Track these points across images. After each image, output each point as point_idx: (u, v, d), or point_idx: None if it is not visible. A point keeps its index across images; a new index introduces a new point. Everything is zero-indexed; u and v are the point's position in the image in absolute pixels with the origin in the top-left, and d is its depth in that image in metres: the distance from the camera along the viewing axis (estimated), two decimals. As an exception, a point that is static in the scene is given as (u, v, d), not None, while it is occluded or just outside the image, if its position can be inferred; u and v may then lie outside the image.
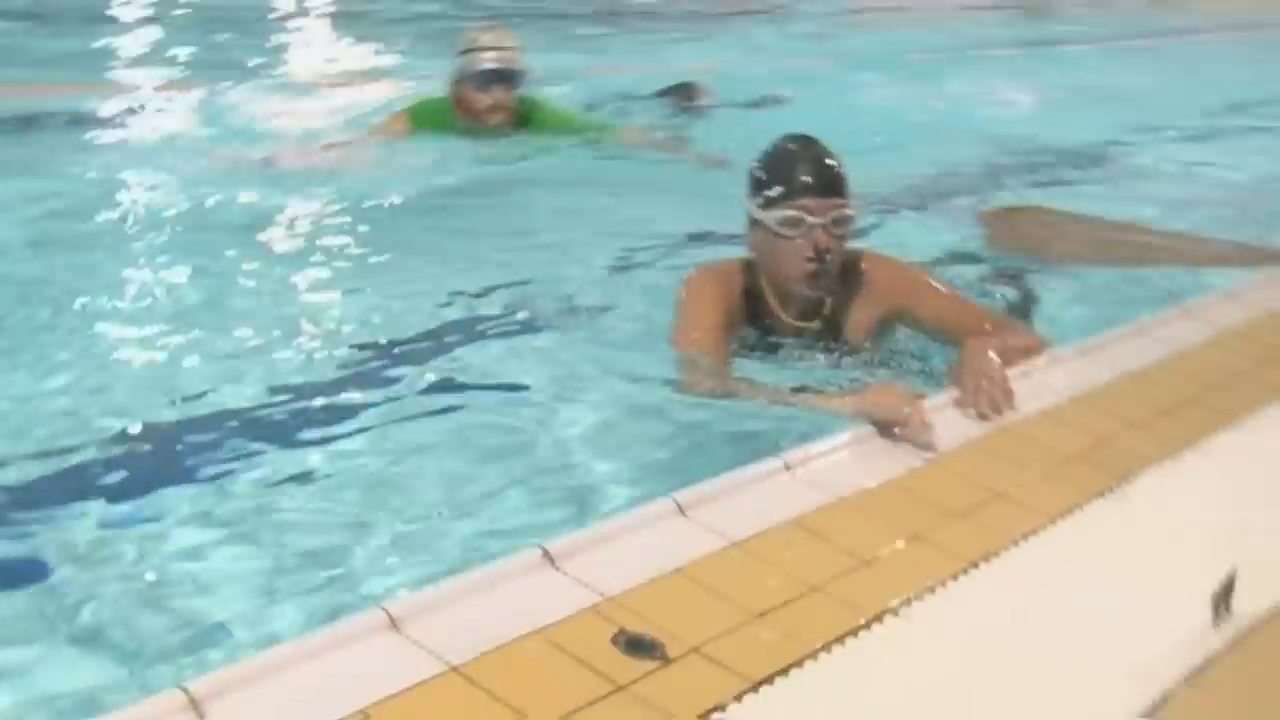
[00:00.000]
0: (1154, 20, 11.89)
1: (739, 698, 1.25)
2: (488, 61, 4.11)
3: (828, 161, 2.38)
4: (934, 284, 2.49)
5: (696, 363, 2.27)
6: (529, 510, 1.87)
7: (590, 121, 4.59)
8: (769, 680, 1.29)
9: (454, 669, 1.23)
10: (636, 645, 1.32)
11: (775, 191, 2.35)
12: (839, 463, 1.81)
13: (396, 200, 3.64)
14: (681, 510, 1.60)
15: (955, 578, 1.53)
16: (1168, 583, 1.53)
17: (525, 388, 2.32)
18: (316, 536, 1.75)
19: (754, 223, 2.41)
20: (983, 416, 2.00)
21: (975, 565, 1.56)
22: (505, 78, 4.15)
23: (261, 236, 3.22)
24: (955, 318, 2.37)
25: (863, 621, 1.41)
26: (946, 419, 1.98)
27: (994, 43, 9.21)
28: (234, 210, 3.41)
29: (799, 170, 2.35)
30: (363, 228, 3.34)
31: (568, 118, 4.45)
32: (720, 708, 1.23)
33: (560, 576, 1.43)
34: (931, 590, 1.49)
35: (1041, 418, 2.04)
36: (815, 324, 2.43)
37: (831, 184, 2.35)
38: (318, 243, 3.20)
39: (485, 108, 4.16)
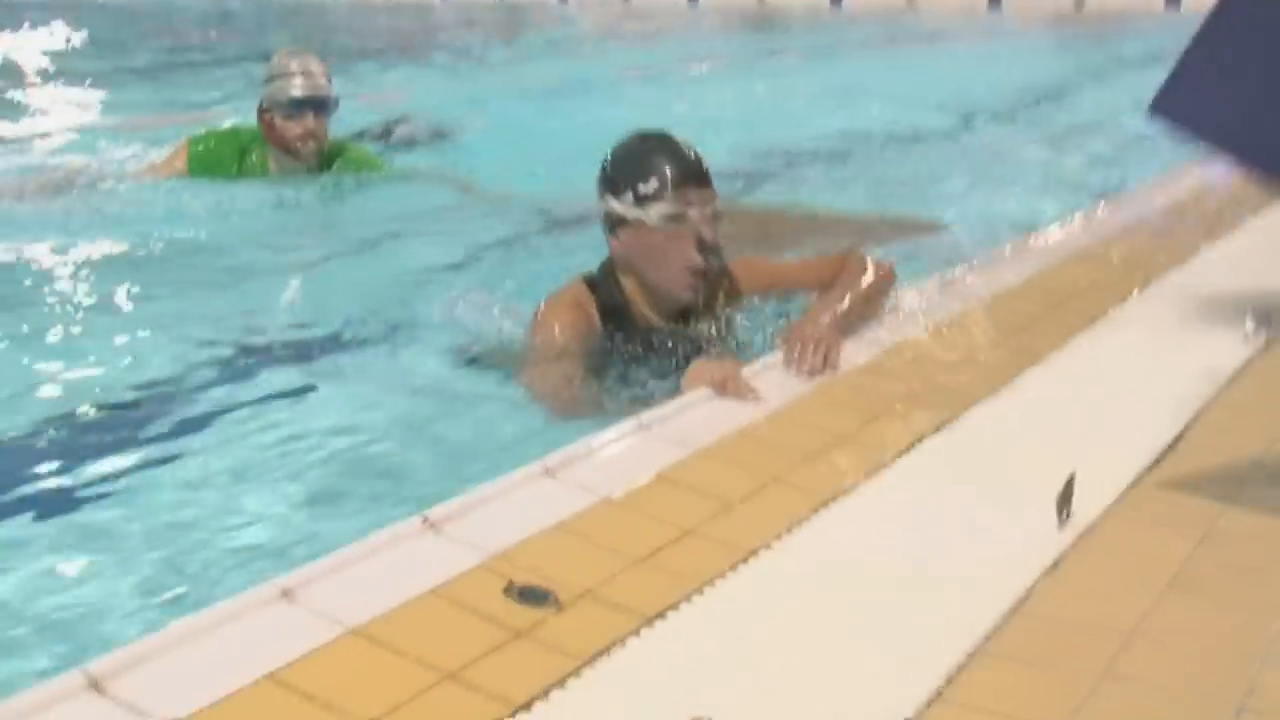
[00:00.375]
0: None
1: (636, 633, 1.29)
2: (298, 88, 3.93)
3: (695, 154, 2.28)
4: (790, 265, 2.50)
5: (552, 397, 2.18)
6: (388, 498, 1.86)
7: (395, 164, 4.41)
8: (661, 616, 1.33)
9: (353, 631, 1.22)
10: (529, 595, 1.34)
11: (651, 186, 2.23)
12: (690, 420, 1.87)
13: (155, 238, 3.44)
14: (550, 473, 1.63)
15: (815, 512, 1.60)
16: (1011, 497, 1.64)
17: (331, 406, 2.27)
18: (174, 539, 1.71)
19: (621, 223, 2.27)
20: (809, 373, 2.08)
21: (831, 501, 1.64)
22: (317, 105, 3.97)
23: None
24: (815, 280, 2.39)
25: (740, 558, 1.47)
26: (783, 377, 2.07)
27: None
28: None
29: (673, 163, 2.24)
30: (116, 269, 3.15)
31: (375, 160, 4.29)
32: (619, 643, 1.27)
33: (443, 539, 1.43)
34: (796, 525, 1.56)
35: (869, 368, 2.15)
36: (685, 326, 2.33)
37: (705, 175, 2.26)
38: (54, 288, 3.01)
39: (296, 136, 3.96)
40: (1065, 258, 2.95)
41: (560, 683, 1.18)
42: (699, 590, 1.38)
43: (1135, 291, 2.68)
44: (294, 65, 3.95)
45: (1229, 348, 2.29)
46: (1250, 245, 3.19)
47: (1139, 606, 1.37)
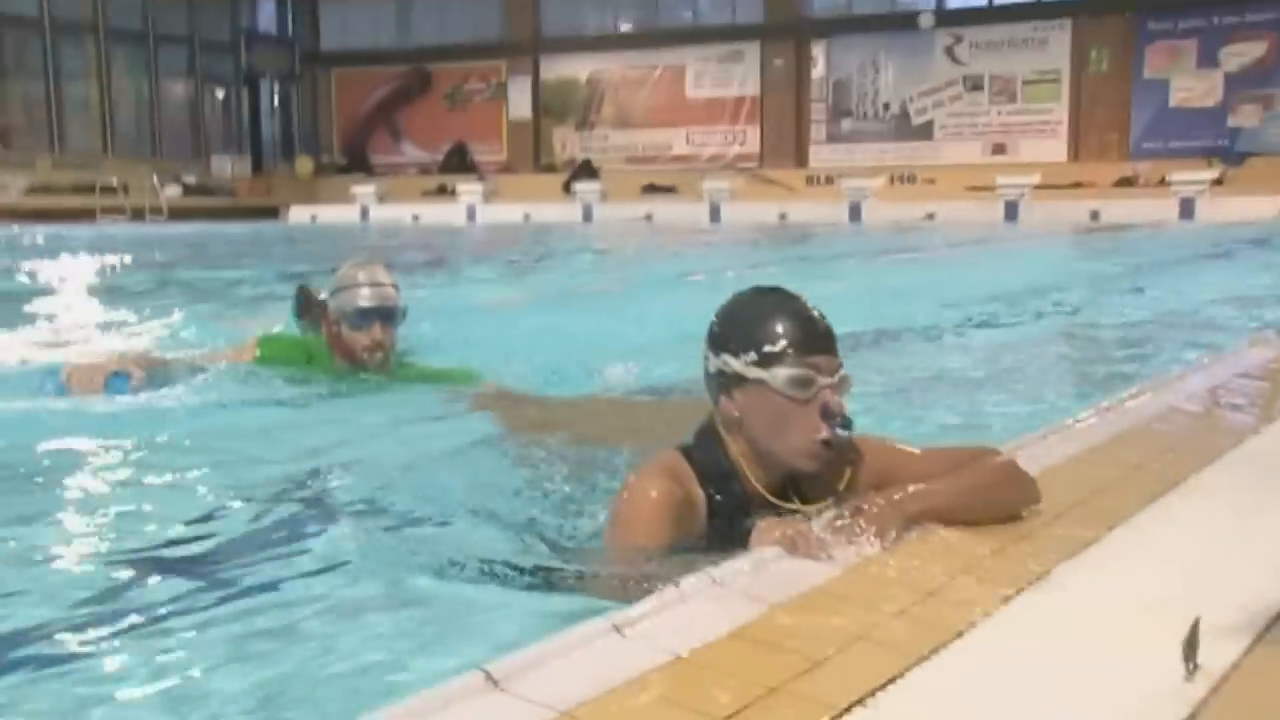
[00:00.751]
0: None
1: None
2: (365, 298, 3.84)
3: (822, 316, 2.10)
4: (915, 453, 2.24)
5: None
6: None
7: (455, 371, 4.24)
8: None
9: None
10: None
11: (777, 346, 2.04)
12: (765, 576, 1.74)
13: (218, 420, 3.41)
14: (618, 629, 1.49)
15: (909, 670, 1.45)
16: (1127, 649, 1.49)
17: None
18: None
19: (738, 383, 2.07)
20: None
21: (924, 659, 1.49)
22: (385, 315, 3.87)
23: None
24: (937, 472, 2.13)
25: (830, 716, 1.32)
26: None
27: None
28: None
29: (801, 324, 2.06)
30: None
31: (436, 371, 4.17)
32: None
33: (507, 696, 1.29)
34: (892, 681, 1.41)
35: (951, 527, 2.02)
36: (793, 502, 2.12)
37: (832, 340, 2.08)
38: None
39: (364, 346, 3.85)
40: (1127, 430, 2.84)
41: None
42: (793, 749, 1.23)
43: (1211, 459, 2.56)
44: (361, 276, 3.88)
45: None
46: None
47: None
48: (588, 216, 20.57)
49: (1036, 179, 18.80)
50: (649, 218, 19.69)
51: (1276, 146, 20.11)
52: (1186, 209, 17.80)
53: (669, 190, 21.41)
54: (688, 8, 23.65)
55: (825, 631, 1.55)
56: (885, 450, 2.20)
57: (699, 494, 2.11)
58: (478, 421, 3.52)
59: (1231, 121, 20.61)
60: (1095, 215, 17.80)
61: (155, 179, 21.22)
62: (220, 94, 25.36)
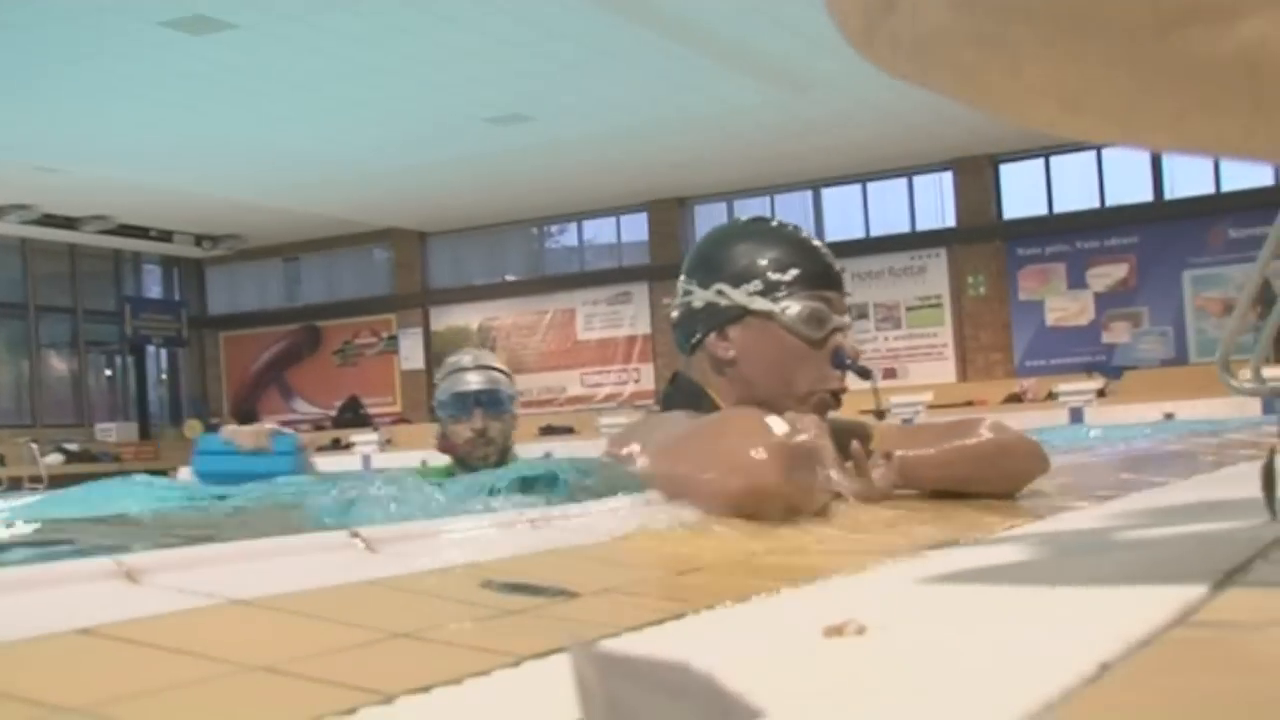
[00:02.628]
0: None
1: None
2: (465, 384, 3.48)
3: (828, 251, 1.84)
4: (918, 427, 2.08)
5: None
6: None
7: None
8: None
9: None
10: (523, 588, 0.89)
11: (786, 275, 1.80)
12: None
13: None
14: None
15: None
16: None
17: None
18: None
19: (734, 318, 1.79)
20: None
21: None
22: (488, 401, 3.49)
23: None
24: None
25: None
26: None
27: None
28: None
29: (810, 254, 1.82)
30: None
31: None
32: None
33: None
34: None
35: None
36: None
37: (842, 279, 1.85)
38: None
39: (465, 440, 3.46)
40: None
41: None
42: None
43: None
44: (465, 360, 3.50)
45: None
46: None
47: None
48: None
49: (929, 397, 19.10)
50: (548, 455, 19.51)
51: (1149, 360, 20.84)
52: (1076, 417, 18.15)
53: (567, 430, 21.36)
54: (574, 256, 24.19)
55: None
56: (890, 430, 1.96)
57: None
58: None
59: (1105, 338, 21.33)
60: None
61: (34, 448, 20.56)
62: (105, 361, 24.99)
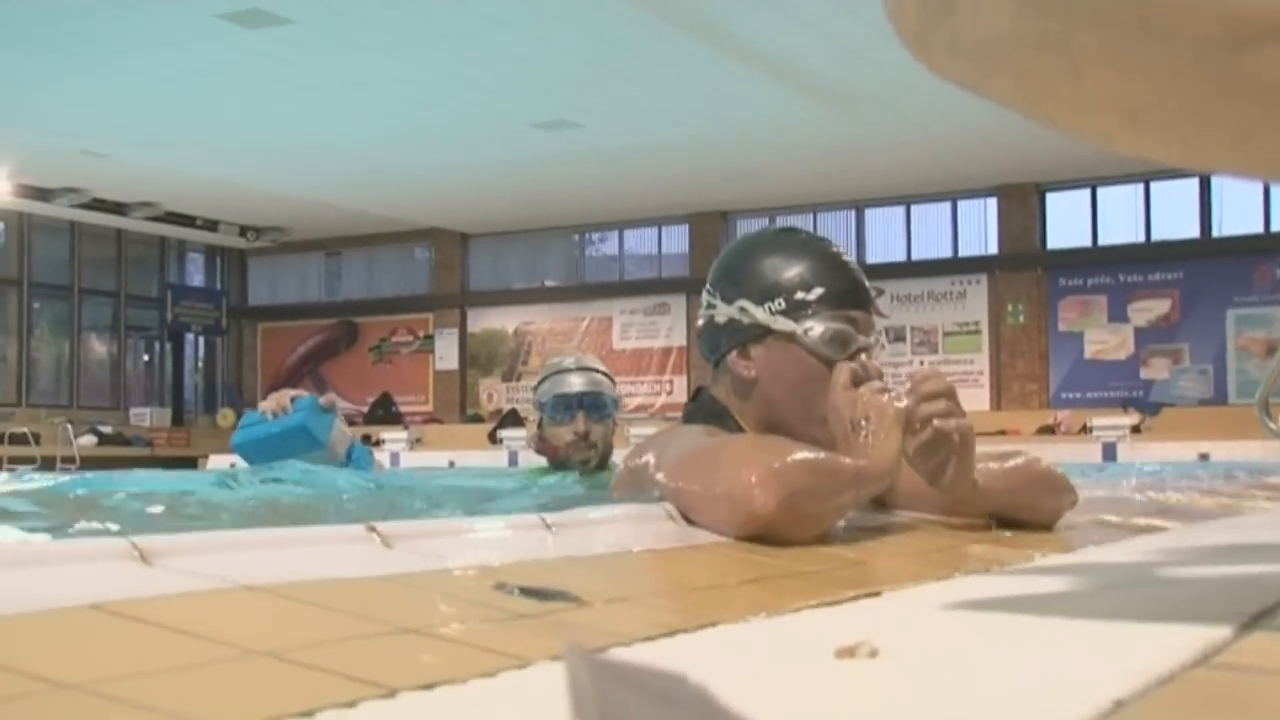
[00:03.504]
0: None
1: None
2: (568, 385, 3.43)
3: (858, 267, 1.83)
4: None
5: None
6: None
7: None
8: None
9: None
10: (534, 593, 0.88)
11: (810, 294, 1.75)
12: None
13: None
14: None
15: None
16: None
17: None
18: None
19: (757, 337, 1.76)
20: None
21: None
22: (591, 405, 3.45)
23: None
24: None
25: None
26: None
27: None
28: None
29: (836, 270, 1.78)
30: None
31: None
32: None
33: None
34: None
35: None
36: None
37: (870, 296, 1.81)
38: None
39: (567, 443, 3.43)
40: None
41: None
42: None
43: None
44: (567, 362, 3.49)
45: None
46: None
47: None
48: (513, 463, 20.34)
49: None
50: (574, 463, 19.53)
51: (1187, 398, 20.62)
52: (1109, 453, 17.97)
53: (596, 438, 21.35)
54: (614, 265, 24.20)
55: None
56: None
57: None
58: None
59: (1144, 373, 21.12)
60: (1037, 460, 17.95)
61: (69, 428, 20.76)
62: (144, 346, 25.21)
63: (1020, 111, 0.91)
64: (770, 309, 1.79)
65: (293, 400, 3.55)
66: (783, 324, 1.78)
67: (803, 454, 1.54)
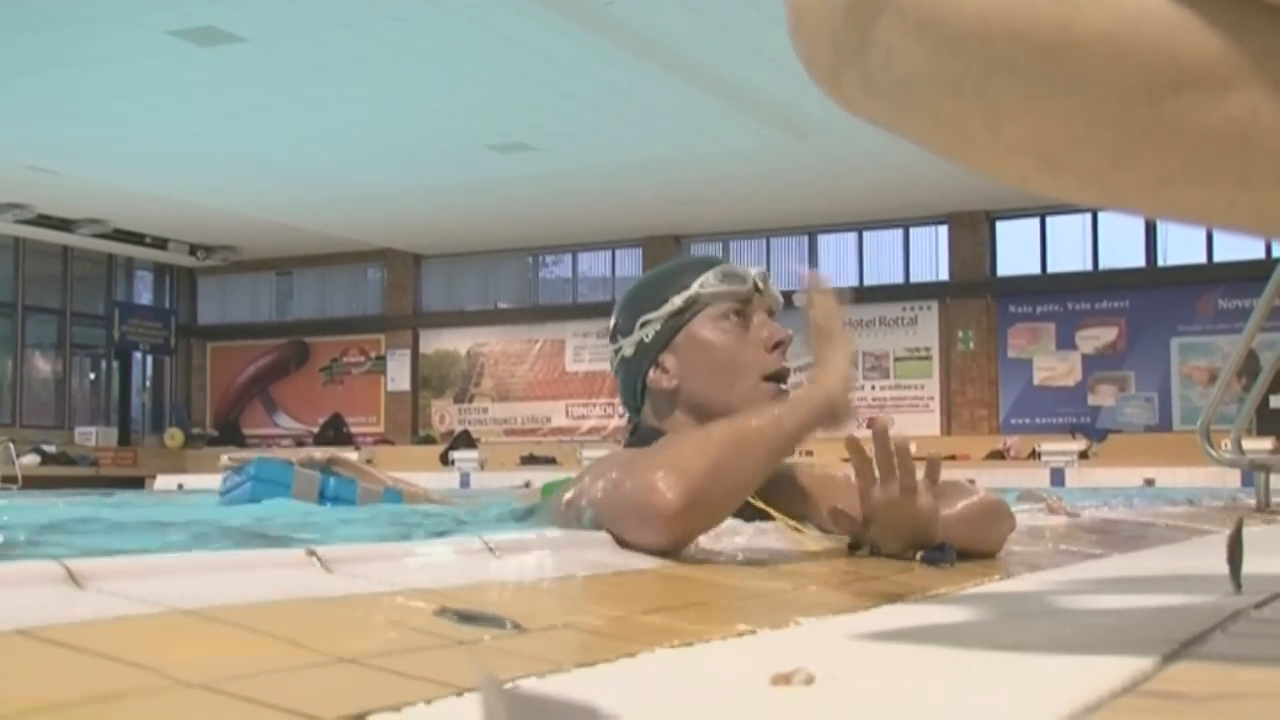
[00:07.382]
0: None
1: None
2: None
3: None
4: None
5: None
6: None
7: None
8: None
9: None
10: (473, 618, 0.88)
11: (701, 279, 1.82)
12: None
13: None
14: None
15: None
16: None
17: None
18: None
19: (663, 344, 1.82)
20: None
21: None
22: None
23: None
24: None
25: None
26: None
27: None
28: None
29: (726, 266, 1.87)
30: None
31: None
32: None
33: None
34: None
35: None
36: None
37: (764, 287, 1.88)
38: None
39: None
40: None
41: None
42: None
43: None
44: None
45: None
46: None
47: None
48: (465, 484, 20.25)
49: (913, 450, 19.11)
50: (527, 484, 19.45)
51: (1133, 425, 20.89)
52: (1057, 478, 18.17)
53: (549, 461, 21.30)
54: (567, 288, 24.18)
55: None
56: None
57: None
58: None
59: (1091, 400, 21.38)
60: (972, 483, 18.11)
61: (11, 447, 20.44)
62: (90, 365, 24.89)
63: (935, 153, 0.92)
64: (666, 311, 1.88)
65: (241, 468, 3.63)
66: (676, 321, 1.85)
67: (696, 436, 1.58)
